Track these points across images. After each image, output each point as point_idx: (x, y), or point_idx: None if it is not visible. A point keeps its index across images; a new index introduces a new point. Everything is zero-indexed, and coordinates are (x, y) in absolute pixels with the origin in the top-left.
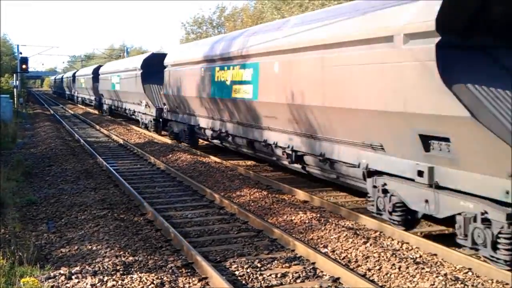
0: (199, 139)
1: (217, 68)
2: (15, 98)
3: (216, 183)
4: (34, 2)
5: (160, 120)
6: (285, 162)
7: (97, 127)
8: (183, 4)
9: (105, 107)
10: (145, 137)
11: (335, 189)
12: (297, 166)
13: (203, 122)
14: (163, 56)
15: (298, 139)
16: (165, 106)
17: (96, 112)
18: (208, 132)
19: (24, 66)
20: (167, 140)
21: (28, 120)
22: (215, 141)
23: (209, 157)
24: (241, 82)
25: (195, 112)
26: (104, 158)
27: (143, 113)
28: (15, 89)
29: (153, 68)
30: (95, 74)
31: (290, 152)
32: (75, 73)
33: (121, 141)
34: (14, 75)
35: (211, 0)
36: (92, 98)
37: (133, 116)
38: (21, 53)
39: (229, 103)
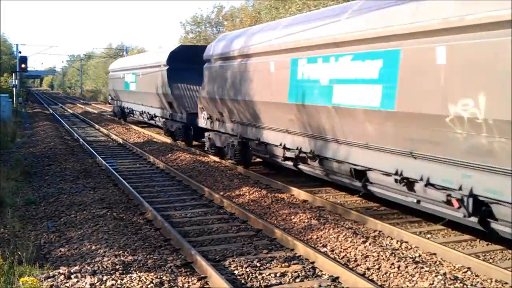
0: None
1: None
2: (14, 98)
3: (215, 182)
4: (33, 1)
5: None
6: None
7: (96, 126)
8: (182, 3)
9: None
10: (144, 137)
11: (334, 188)
12: None
13: None
14: None
15: None
16: None
17: (95, 111)
18: None
19: (23, 65)
20: (167, 140)
21: (27, 120)
22: None
23: (208, 156)
24: None
25: None
26: (103, 158)
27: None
28: (14, 89)
29: None
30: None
31: None
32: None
33: (121, 141)
34: (13, 74)
35: (210, 0)
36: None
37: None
38: (20, 52)
39: None
